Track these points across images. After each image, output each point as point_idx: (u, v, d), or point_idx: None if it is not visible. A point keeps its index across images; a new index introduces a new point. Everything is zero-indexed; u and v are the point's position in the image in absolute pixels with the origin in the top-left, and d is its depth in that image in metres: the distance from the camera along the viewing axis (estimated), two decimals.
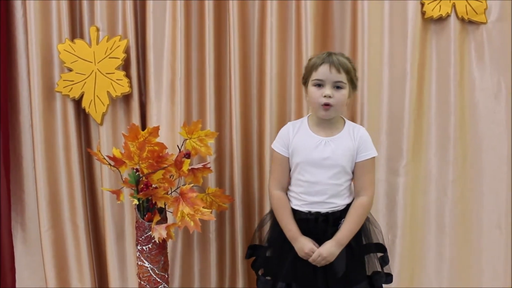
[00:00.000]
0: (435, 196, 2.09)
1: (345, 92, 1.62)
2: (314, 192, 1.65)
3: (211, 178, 2.05)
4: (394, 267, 2.05)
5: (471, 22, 2.04)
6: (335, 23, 2.06)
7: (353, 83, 1.65)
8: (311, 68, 1.64)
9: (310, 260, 1.63)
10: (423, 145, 2.08)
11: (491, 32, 2.05)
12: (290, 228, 1.66)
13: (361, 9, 1.98)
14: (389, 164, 2.04)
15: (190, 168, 1.81)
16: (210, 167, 1.91)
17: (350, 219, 1.65)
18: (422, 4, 2.00)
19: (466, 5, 2.01)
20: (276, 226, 1.72)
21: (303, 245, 1.63)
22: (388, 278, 1.74)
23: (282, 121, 1.99)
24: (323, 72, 1.60)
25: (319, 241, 1.64)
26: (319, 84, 1.61)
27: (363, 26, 1.98)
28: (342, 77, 1.60)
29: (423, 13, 2.01)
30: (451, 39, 2.03)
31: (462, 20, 2.03)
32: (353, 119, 2.02)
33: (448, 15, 2.01)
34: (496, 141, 2.08)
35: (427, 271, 2.12)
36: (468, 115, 2.08)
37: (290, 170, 1.72)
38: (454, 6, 2.01)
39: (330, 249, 1.62)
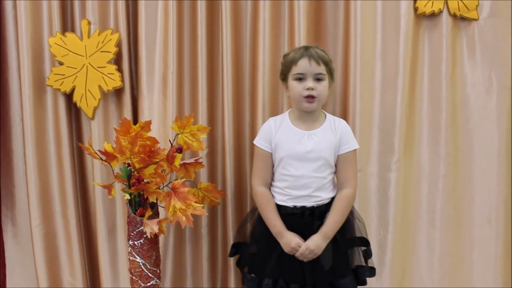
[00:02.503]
0: (426, 191, 2.11)
1: (325, 83, 1.65)
2: (299, 186, 1.66)
3: (203, 173, 2.05)
4: (386, 262, 2.07)
5: (463, 18, 2.05)
6: (328, 17, 2.06)
7: (331, 74, 1.68)
8: (290, 63, 1.65)
9: (298, 254, 1.63)
10: (415, 140, 2.09)
11: (482, 28, 2.07)
12: (275, 224, 1.66)
13: (354, 4, 1.98)
14: (381, 159, 2.05)
15: (182, 162, 1.81)
16: (202, 161, 1.91)
17: (335, 211, 1.66)
18: (415, 0, 2.01)
19: (458, 2, 2.02)
20: (260, 223, 1.72)
21: (289, 240, 1.63)
22: (372, 271, 1.75)
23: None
24: (303, 65, 1.63)
25: (305, 236, 1.65)
26: (300, 78, 1.64)
27: (355, 21, 1.98)
28: (322, 69, 1.63)
29: (415, 9, 2.01)
30: (443, 35, 2.04)
31: (454, 16, 2.04)
32: (345, 114, 2.03)
33: (441, 11, 2.02)
34: (487, 136, 2.10)
35: (418, 266, 2.13)
36: (460, 110, 2.09)
37: (273, 166, 1.72)
38: (446, 2, 2.02)
39: (317, 242, 1.63)
